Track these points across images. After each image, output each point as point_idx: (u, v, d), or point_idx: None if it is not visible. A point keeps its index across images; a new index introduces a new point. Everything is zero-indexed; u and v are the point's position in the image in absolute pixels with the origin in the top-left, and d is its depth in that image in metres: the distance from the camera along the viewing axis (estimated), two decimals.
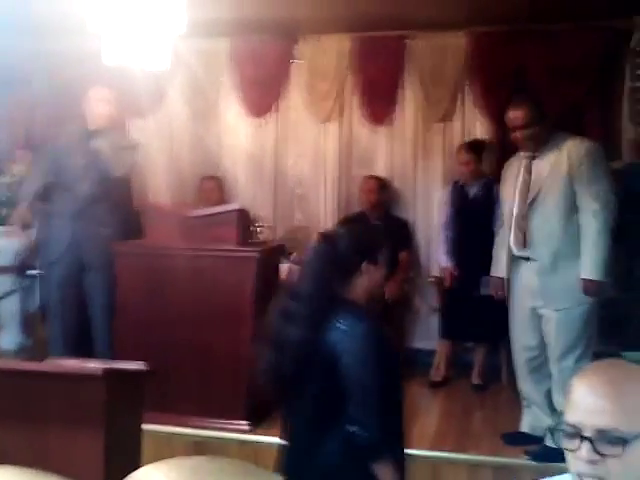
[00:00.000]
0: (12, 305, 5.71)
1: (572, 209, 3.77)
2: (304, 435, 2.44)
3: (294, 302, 2.40)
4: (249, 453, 4.05)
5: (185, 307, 4.25)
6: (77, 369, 2.87)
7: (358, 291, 2.44)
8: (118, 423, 2.95)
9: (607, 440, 1.45)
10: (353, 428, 2.27)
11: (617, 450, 1.44)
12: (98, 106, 4.68)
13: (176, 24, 3.59)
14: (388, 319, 5.44)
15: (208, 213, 4.35)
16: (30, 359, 5.00)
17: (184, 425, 4.16)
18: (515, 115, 3.91)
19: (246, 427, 4.17)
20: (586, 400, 1.49)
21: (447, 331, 5.34)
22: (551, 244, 3.80)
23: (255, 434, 4.14)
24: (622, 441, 1.44)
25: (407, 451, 3.83)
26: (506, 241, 4.05)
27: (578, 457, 1.48)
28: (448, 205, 5.35)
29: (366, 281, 2.45)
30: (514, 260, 4.03)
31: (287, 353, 2.37)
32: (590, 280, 3.69)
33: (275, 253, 4.86)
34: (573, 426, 1.49)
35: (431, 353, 5.46)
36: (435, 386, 5.24)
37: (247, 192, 6.17)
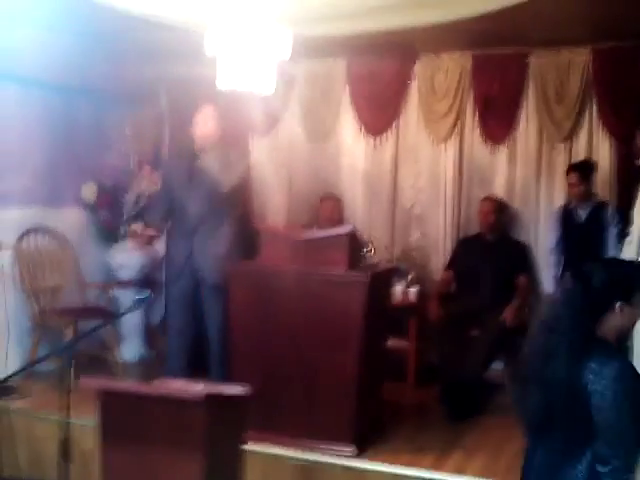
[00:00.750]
0: (135, 318, 5.91)
1: None
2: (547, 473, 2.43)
3: (549, 338, 2.41)
4: (354, 479, 4.02)
5: (295, 328, 4.25)
6: (180, 393, 2.91)
7: (609, 329, 2.42)
8: (219, 446, 2.99)
9: None
10: (605, 469, 2.24)
11: None
12: (205, 125, 4.78)
13: (282, 50, 3.63)
14: (506, 345, 5.31)
15: (319, 237, 4.35)
16: (146, 375, 5.15)
17: (291, 446, 4.16)
18: None
19: (352, 452, 4.13)
20: None
21: None
22: None
23: (361, 459, 4.11)
24: None
25: None
26: None
27: None
28: (557, 228, 5.16)
29: (619, 320, 2.42)
30: None
31: (540, 389, 2.40)
32: None
33: (386, 276, 4.80)
34: None
35: None
36: None
37: (364, 212, 6.18)
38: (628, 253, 3.89)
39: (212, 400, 2.90)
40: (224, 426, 3.03)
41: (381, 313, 4.51)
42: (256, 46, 3.68)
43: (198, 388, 3.04)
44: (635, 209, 3.95)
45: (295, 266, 4.24)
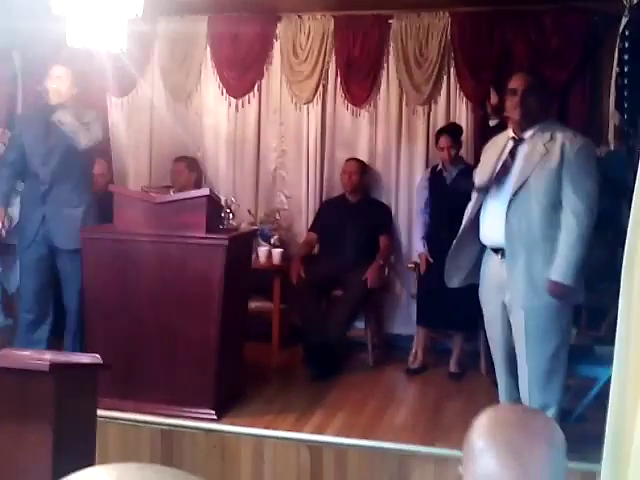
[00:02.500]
0: None
1: (555, 207, 3.57)
2: None
3: None
4: (216, 442, 4.02)
5: (154, 294, 4.18)
6: (23, 363, 2.81)
7: None
8: (69, 416, 2.91)
9: None
10: None
11: None
12: (57, 83, 4.60)
13: (132, 7, 3.51)
14: (368, 305, 5.42)
15: (176, 199, 4.27)
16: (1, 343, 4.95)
17: (151, 413, 4.11)
18: (517, 79, 3.75)
19: (213, 416, 4.13)
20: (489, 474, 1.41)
21: (422, 318, 5.28)
22: (527, 240, 3.59)
23: (222, 423, 4.11)
24: None
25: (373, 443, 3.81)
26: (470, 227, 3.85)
27: None
28: (426, 190, 5.27)
29: None
30: (485, 250, 3.85)
31: None
32: (559, 283, 3.54)
33: (247, 239, 4.78)
34: None
35: (410, 339, 5.40)
36: (412, 373, 5.19)
37: (228, 174, 6.09)
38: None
39: (59, 370, 2.82)
40: (73, 396, 2.95)
41: (242, 276, 4.49)
42: (103, 2, 3.54)
43: (44, 358, 2.94)
44: (481, 169, 3.97)
45: (151, 230, 4.16)
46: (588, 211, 3.53)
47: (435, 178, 5.27)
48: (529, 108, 3.68)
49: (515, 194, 3.63)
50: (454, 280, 3.97)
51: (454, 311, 4.97)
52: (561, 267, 3.54)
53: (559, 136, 3.62)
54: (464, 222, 3.92)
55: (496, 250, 3.74)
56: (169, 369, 4.18)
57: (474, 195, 3.93)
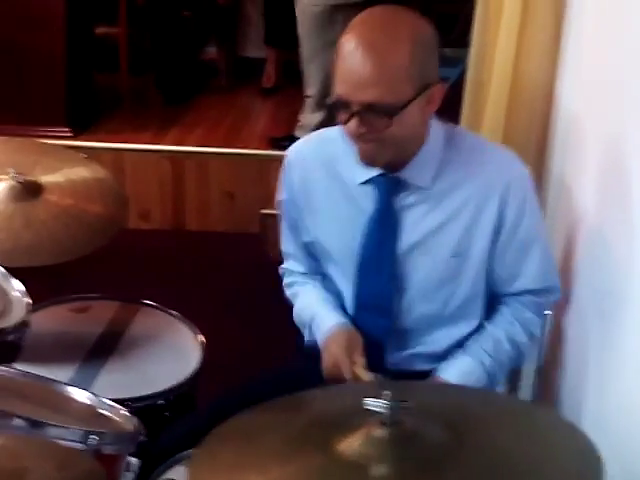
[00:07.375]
0: None
1: None
2: None
3: None
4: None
5: None
6: None
7: None
8: None
9: (375, 113, 1.45)
10: None
11: (385, 122, 1.45)
12: None
13: None
14: (219, 26, 5.30)
15: None
16: None
17: (5, 134, 3.99)
18: None
19: (68, 133, 4.08)
20: (352, 72, 1.45)
21: (270, 37, 5.25)
22: None
23: (81, 140, 4.07)
24: (389, 112, 1.44)
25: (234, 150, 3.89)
26: None
27: (348, 130, 1.50)
28: None
29: None
30: None
31: None
32: None
33: None
34: (341, 98, 1.48)
35: (264, 62, 5.39)
36: (266, 93, 5.23)
37: None
38: None
39: None
40: None
41: None
42: None
43: None
44: None
45: None
46: None
47: None
48: None
49: None
50: None
51: None
52: None
53: None
54: None
55: None
56: (18, 88, 4.04)
57: None
